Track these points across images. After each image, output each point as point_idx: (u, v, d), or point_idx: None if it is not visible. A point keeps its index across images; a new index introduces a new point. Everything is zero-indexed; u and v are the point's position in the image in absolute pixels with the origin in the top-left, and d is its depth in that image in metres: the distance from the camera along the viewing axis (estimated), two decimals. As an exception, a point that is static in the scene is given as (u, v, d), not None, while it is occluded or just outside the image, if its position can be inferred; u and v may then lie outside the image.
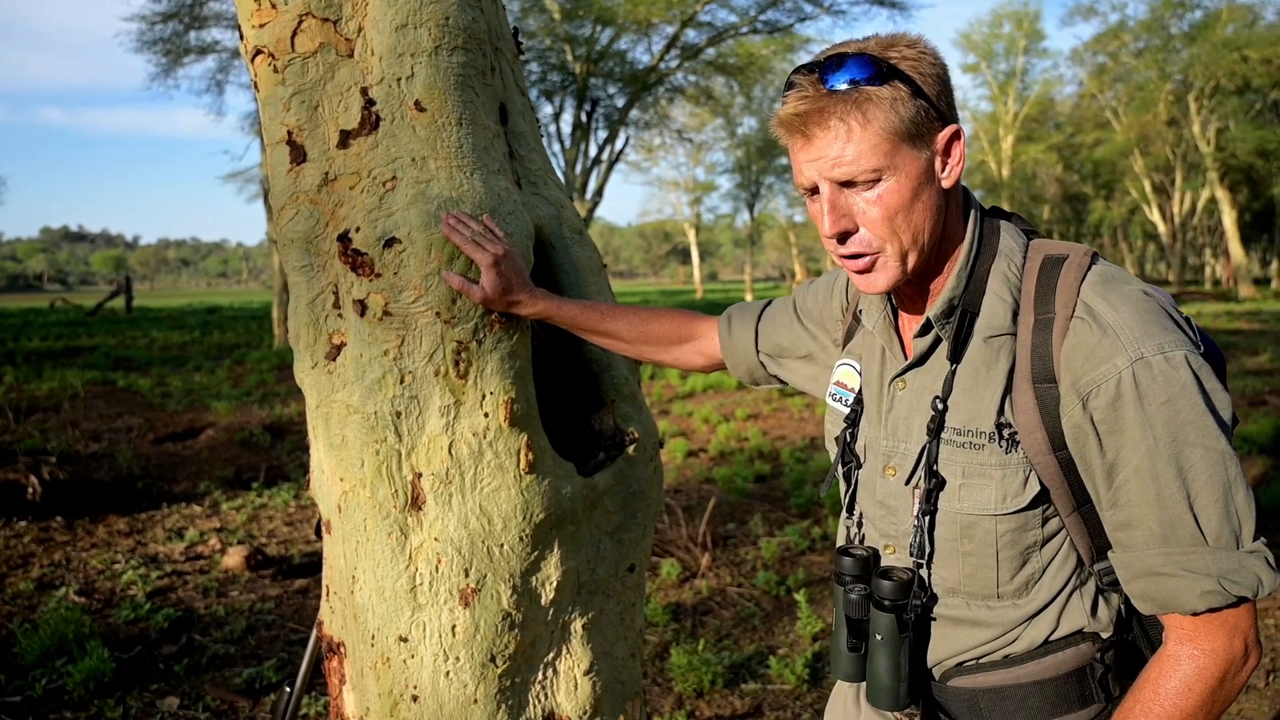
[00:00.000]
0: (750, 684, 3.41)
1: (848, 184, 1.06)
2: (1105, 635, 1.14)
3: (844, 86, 1.03)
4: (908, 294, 1.17)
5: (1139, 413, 0.99)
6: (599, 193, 21.95)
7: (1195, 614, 1.00)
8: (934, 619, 1.18)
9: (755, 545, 5.01)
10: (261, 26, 1.50)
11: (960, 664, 1.18)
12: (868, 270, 1.10)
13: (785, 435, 8.36)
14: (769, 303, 1.52)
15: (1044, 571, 1.12)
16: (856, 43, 1.08)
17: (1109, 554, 1.08)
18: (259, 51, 1.51)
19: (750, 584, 4.42)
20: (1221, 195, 31.55)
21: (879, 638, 1.16)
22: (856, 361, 1.29)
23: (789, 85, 1.08)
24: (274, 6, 1.50)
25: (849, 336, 1.33)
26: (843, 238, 1.09)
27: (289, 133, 1.50)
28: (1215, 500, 0.98)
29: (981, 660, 1.16)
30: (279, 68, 1.50)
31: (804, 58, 22.99)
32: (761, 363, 1.49)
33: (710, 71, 21.94)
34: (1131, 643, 1.16)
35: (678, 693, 3.34)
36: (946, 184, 1.09)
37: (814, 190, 1.09)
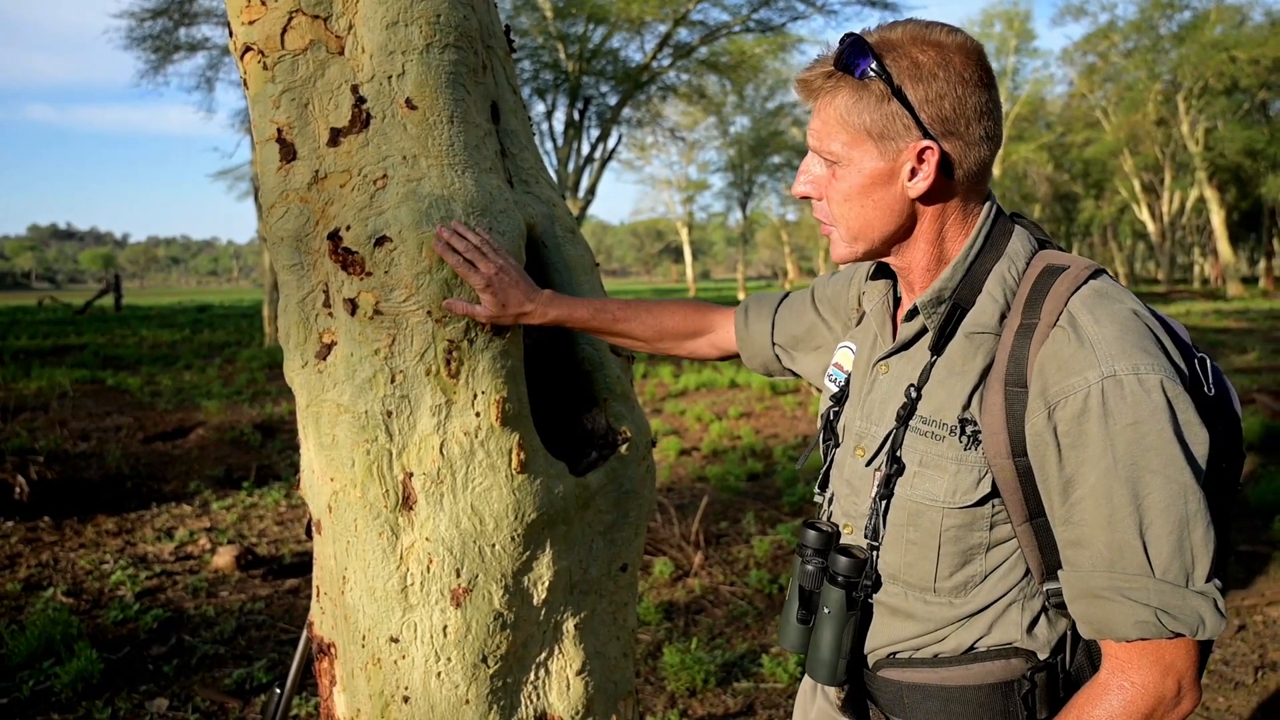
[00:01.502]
0: (743, 682, 3.41)
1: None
2: (1041, 656, 1.12)
3: (827, 69, 1.07)
4: (911, 282, 1.17)
5: (1102, 430, 0.97)
6: (591, 191, 21.93)
7: (1129, 642, 0.99)
8: (878, 605, 1.19)
9: (748, 544, 5.01)
10: (251, 23, 1.49)
11: (892, 655, 1.19)
12: (831, 240, 1.16)
13: (778, 433, 8.37)
14: (787, 294, 1.53)
15: (986, 577, 1.11)
16: (891, 25, 1.07)
17: (1058, 573, 1.06)
18: (248, 49, 1.50)
19: (743, 582, 4.42)
20: (1210, 195, 31.72)
21: (827, 611, 1.19)
22: (855, 344, 1.30)
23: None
24: (264, 3, 1.49)
25: (859, 323, 1.34)
26: (806, 199, 1.14)
27: (279, 130, 1.49)
28: (1169, 532, 0.96)
29: (912, 656, 1.17)
30: (269, 65, 1.49)
31: (796, 57, 23.03)
32: (776, 355, 1.50)
33: (703, 70, 21.94)
34: (1074, 672, 1.13)
35: (670, 691, 3.34)
36: (911, 194, 1.08)
37: None
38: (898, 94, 1.03)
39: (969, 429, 1.08)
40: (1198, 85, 29.85)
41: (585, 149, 21.99)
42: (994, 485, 1.07)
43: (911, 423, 1.13)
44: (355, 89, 1.48)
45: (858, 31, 1.06)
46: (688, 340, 1.57)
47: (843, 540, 1.24)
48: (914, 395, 1.13)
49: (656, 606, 4.06)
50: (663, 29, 19.87)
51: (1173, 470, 0.96)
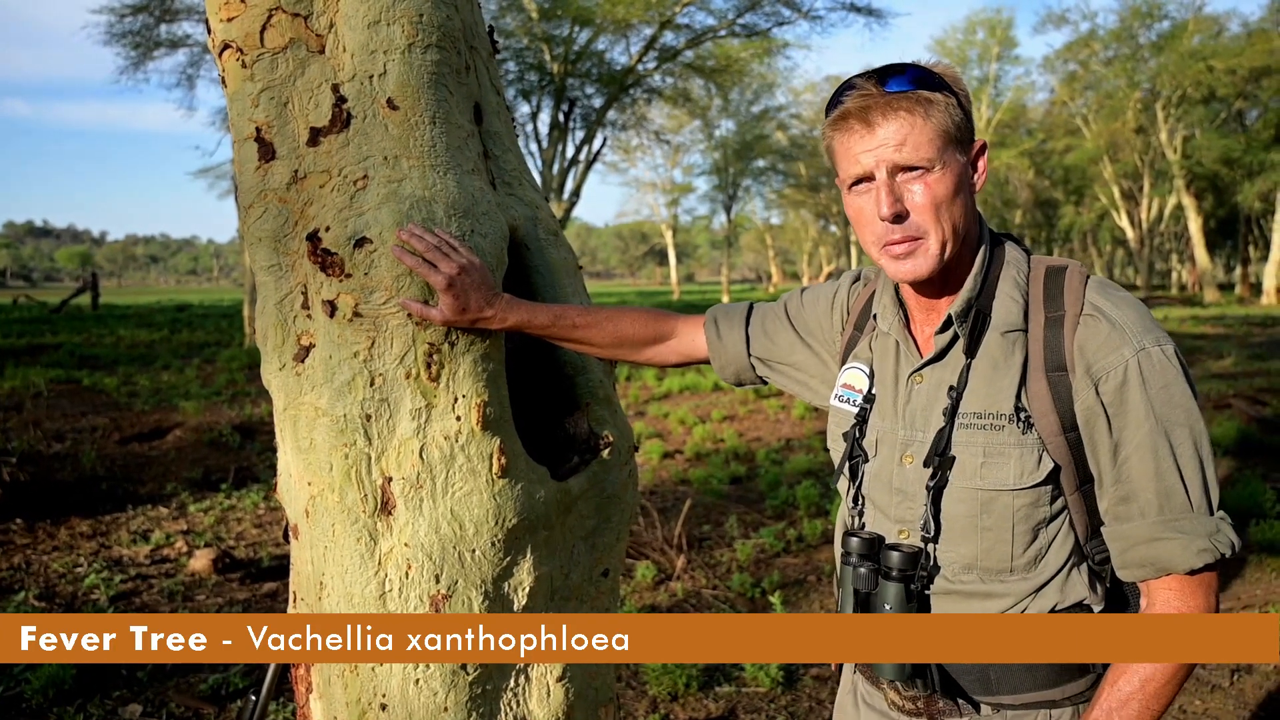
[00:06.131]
0: (725, 687, 3.40)
1: (902, 171, 1.19)
2: (1097, 609, 1.25)
3: (907, 88, 1.18)
4: (921, 301, 1.30)
5: (1142, 395, 1.15)
6: (576, 193, 21.91)
7: (1191, 572, 1.14)
8: (947, 595, 1.27)
9: (730, 547, 5.01)
10: (230, 20, 1.47)
11: None
12: (908, 255, 1.22)
13: (760, 437, 8.38)
14: (751, 307, 1.59)
15: (1049, 547, 1.23)
16: (923, 65, 1.23)
17: (1103, 530, 1.21)
18: (227, 46, 1.48)
19: (725, 586, 4.42)
20: (1188, 202, 32.07)
21: (887, 608, 1.25)
22: (865, 364, 1.39)
23: (848, 87, 1.20)
24: (243, 0, 1.47)
25: (849, 345, 1.44)
26: (898, 219, 1.20)
27: (257, 129, 1.47)
28: (1197, 472, 1.15)
29: None
30: (247, 63, 1.47)
31: (782, 62, 23.11)
32: (752, 365, 1.56)
33: (688, 73, 21.97)
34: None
35: (652, 696, 3.33)
36: (975, 189, 1.25)
37: (860, 180, 1.21)
38: (963, 105, 1.21)
39: (1023, 415, 1.22)
40: (1176, 94, 30.19)
41: (570, 151, 21.98)
42: (1054, 462, 1.20)
43: (960, 420, 1.25)
44: (336, 88, 1.46)
45: (922, 64, 1.23)
46: (649, 347, 1.59)
47: (895, 542, 1.30)
48: (955, 395, 1.25)
49: (639, 610, 4.05)
50: (648, 32, 19.89)
51: (1193, 420, 1.16)
